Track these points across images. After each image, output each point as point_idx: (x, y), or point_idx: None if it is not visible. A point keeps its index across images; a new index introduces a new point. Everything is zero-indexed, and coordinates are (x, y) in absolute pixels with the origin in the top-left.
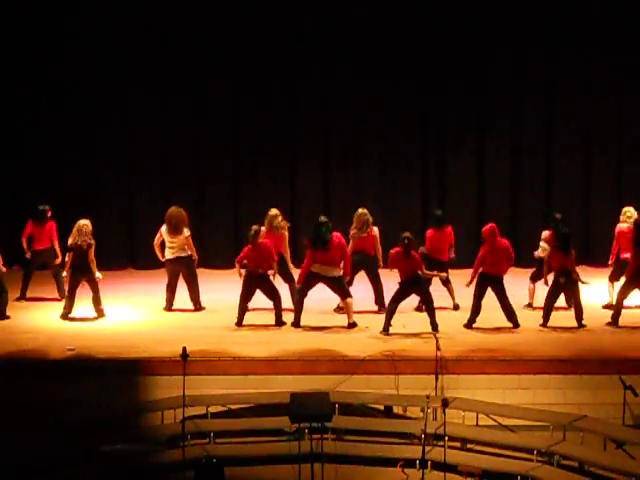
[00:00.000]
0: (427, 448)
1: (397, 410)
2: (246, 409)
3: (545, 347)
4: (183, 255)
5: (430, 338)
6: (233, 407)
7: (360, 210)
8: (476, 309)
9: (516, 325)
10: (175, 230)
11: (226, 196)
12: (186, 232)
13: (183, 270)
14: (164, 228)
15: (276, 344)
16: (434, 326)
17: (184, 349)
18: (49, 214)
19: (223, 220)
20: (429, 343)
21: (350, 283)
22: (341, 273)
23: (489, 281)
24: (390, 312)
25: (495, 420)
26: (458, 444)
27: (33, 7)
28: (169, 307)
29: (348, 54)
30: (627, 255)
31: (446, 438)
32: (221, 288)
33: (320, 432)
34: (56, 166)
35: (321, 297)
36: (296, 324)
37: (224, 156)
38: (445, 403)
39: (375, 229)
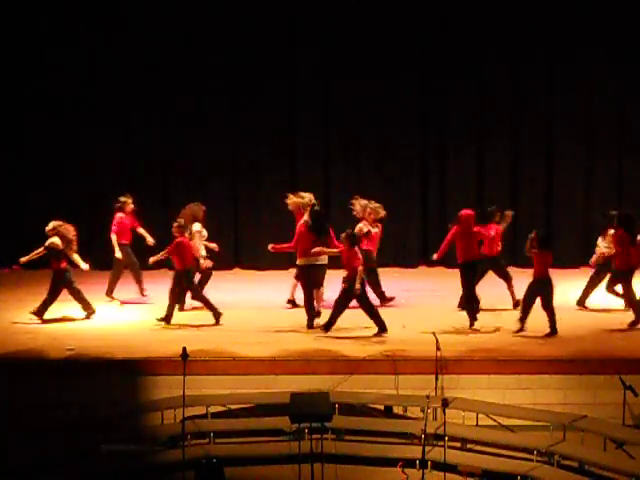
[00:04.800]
0: (427, 448)
1: (397, 410)
2: (246, 409)
3: (545, 347)
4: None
5: (430, 338)
6: (233, 407)
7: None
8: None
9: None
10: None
11: (226, 197)
12: (194, 228)
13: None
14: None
15: (276, 344)
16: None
17: (184, 349)
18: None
19: (223, 221)
20: (429, 343)
21: None
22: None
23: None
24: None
25: (495, 420)
26: (458, 444)
27: (35, 8)
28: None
29: (348, 53)
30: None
31: (446, 438)
32: (221, 288)
33: (320, 432)
34: (56, 166)
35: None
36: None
37: (223, 156)
38: (445, 403)
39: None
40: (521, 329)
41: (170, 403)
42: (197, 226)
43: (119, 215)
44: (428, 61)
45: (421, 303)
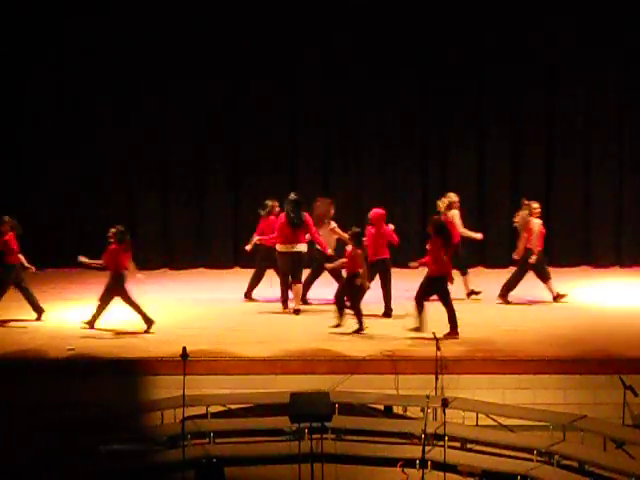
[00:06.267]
0: (427, 448)
1: (397, 410)
2: (246, 409)
3: (545, 347)
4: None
5: (430, 338)
6: (233, 407)
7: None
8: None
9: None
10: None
11: (226, 197)
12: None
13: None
14: None
15: (276, 344)
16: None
17: (184, 349)
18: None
19: (223, 221)
20: (429, 343)
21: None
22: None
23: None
24: None
25: (495, 420)
26: (458, 444)
27: (35, 9)
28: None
29: (349, 53)
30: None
31: (446, 438)
32: (220, 287)
33: (320, 432)
34: (56, 165)
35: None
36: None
37: (223, 156)
38: (445, 403)
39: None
40: (338, 325)
41: (170, 403)
42: (332, 224)
43: (271, 218)
44: (428, 61)
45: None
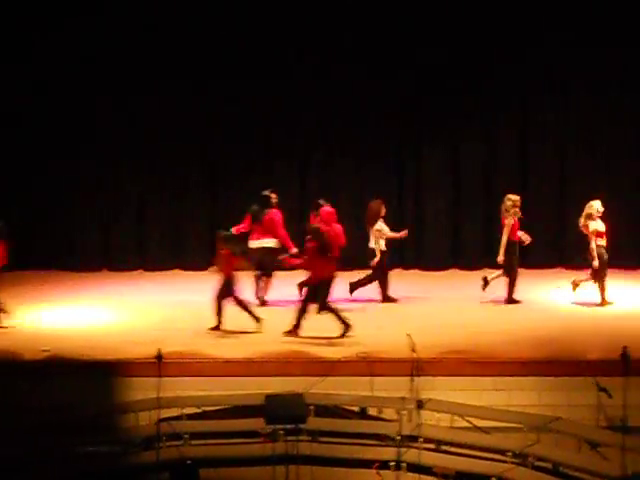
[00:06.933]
0: (402, 450)
1: (372, 412)
2: (221, 411)
3: (520, 349)
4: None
5: (406, 339)
6: (208, 409)
7: None
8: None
9: None
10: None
11: (202, 198)
12: (376, 226)
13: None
14: None
15: (251, 345)
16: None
17: (159, 351)
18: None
19: (199, 222)
20: (404, 344)
21: None
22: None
23: None
24: None
25: (470, 422)
26: (433, 446)
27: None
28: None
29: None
30: None
31: (421, 440)
32: (196, 289)
33: (295, 434)
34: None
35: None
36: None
37: (201, 160)
38: (420, 405)
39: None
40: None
41: (145, 405)
42: (378, 225)
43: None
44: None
45: (396, 305)
